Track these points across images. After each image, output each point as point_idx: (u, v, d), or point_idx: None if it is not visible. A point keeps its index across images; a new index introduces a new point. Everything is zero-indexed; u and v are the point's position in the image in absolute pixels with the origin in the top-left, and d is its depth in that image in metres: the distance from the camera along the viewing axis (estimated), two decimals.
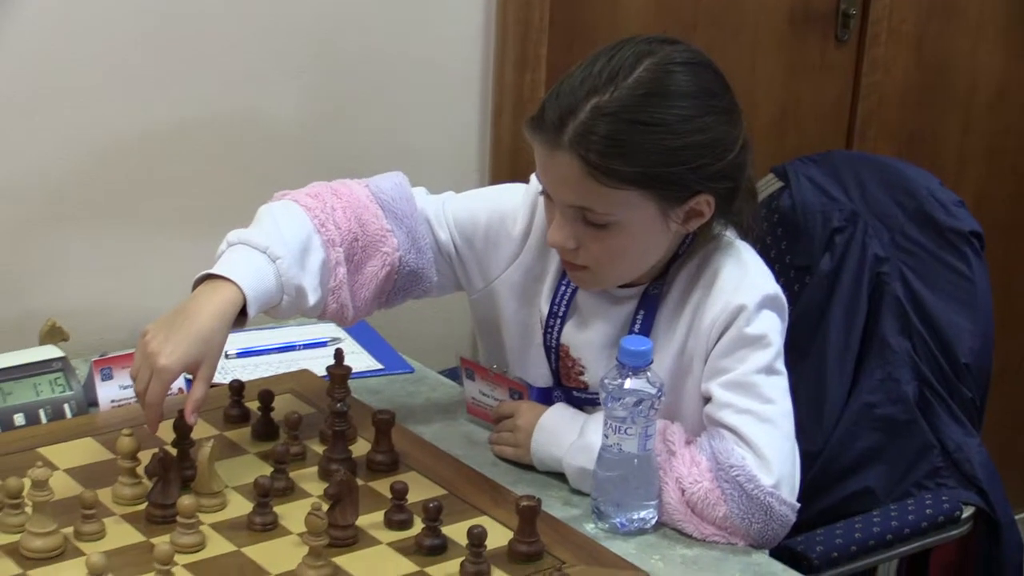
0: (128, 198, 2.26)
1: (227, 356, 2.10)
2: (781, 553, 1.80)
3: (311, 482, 1.74)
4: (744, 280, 1.77)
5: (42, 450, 1.78)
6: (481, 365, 1.95)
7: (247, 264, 1.73)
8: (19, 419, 1.90)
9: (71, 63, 2.15)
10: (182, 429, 1.70)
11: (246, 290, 1.69)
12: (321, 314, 1.82)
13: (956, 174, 3.06)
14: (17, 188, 2.16)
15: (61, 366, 1.94)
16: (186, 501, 1.56)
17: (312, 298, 1.77)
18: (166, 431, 1.72)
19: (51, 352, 1.96)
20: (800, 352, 2.06)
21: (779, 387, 1.75)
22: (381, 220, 1.84)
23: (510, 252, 1.88)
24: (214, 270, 1.71)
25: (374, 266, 1.84)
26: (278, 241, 1.75)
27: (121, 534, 1.62)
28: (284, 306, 1.76)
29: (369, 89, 2.43)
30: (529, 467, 1.85)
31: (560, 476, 1.81)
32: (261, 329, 2.20)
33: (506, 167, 2.53)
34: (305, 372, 2.06)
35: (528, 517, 1.60)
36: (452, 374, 2.15)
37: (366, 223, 1.83)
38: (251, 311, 1.69)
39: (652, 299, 1.80)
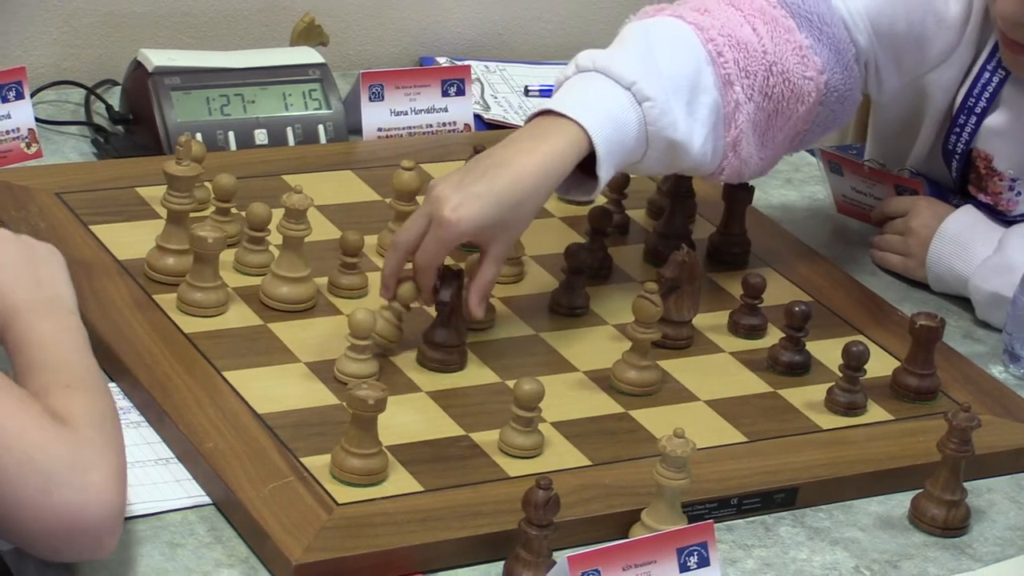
0: None
1: (527, 93, 2.03)
2: None
3: (634, 261, 1.66)
4: None
5: (289, 178, 1.72)
6: (849, 158, 1.82)
7: (602, 101, 1.44)
8: (260, 136, 1.84)
9: None
10: None
11: (596, 138, 1.40)
12: (711, 175, 1.56)
13: None
14: None
15: (319, 75, 1.89)
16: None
17: (698, 155, 1.49)
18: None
19: (307, 56, 1.91)
20: None
21: None
22: (795, 33, 1.55)
23: (945, 44, 1.67)
24: (553, 104, 1.42)
25: (791, 101, 1.58)
26: (651, 73, 1.45)
27: None
28: (646, 163, 1.47)
29: None
30: (919, 284, 1.74)
31: (962, 301, 1.71)
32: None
33: None
34: None
35: (925, 341, 1.47)
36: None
37: (777, 41, 1.55)
38: (602, 172, 1.41)
39: None
